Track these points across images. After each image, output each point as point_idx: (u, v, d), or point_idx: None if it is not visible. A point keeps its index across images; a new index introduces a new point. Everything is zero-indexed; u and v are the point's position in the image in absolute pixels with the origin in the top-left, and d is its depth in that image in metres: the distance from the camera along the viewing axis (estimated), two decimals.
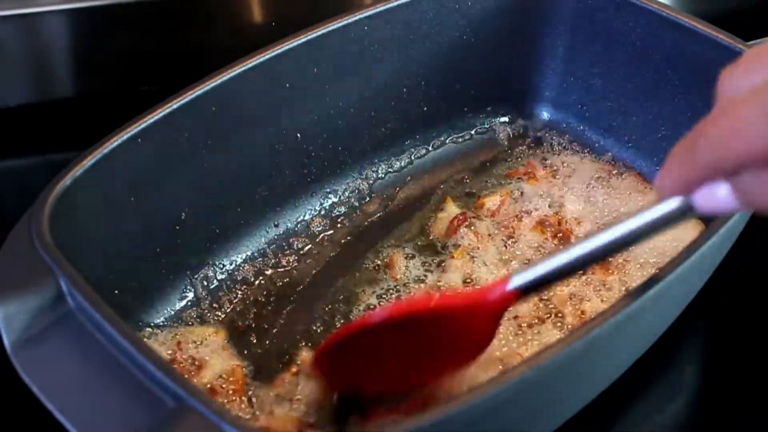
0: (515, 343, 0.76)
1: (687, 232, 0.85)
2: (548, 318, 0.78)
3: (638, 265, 0.82)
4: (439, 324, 0.65)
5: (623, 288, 0.80)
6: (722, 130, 0.49)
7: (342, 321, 0.80)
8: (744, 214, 0.71)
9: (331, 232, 0.89)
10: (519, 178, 0.93)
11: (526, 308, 0.79)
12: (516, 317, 0.78)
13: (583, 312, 0.79)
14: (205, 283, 0.82)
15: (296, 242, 0.87)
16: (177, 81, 0.80)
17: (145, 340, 0.75)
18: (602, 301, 0.80)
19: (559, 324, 0.78)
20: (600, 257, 0.61)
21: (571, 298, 0.80)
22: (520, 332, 0.77)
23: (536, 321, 0.78)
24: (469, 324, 0.66)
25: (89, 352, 0.59)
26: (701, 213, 0.55)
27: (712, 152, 0.50)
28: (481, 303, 0.64)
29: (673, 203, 0.56)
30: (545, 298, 0.80)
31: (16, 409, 0.74)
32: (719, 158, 0.50)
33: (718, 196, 0.53)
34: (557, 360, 0.58)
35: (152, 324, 0.78)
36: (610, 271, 0.82)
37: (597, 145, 0.96)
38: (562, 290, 0.80)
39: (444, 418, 0.55)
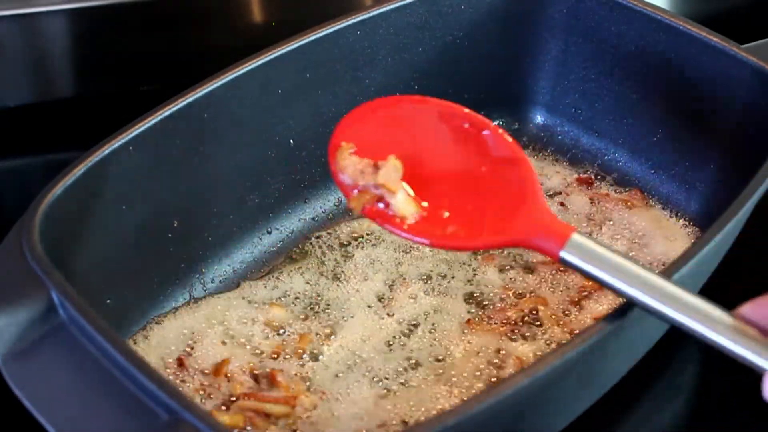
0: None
1: (683, 238, 0.85)
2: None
3: None
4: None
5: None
6: None
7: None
8: (741, 218, 0.71)
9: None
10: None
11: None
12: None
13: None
14: (198, 292, 0.81)
15: (290, 249, 0.86)
16: (177, 81, 0.80)
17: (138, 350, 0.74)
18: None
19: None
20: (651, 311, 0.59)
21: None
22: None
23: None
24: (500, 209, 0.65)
25: (81, 365, 0.59)
26: None
27: None
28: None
29: None
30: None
31: (8, 423, 0.73)
32: None
33: None
34: (555, 368, 0.58)
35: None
36: None
37: (591, 148, 0.95)
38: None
39: (441, 428, 0.54)
